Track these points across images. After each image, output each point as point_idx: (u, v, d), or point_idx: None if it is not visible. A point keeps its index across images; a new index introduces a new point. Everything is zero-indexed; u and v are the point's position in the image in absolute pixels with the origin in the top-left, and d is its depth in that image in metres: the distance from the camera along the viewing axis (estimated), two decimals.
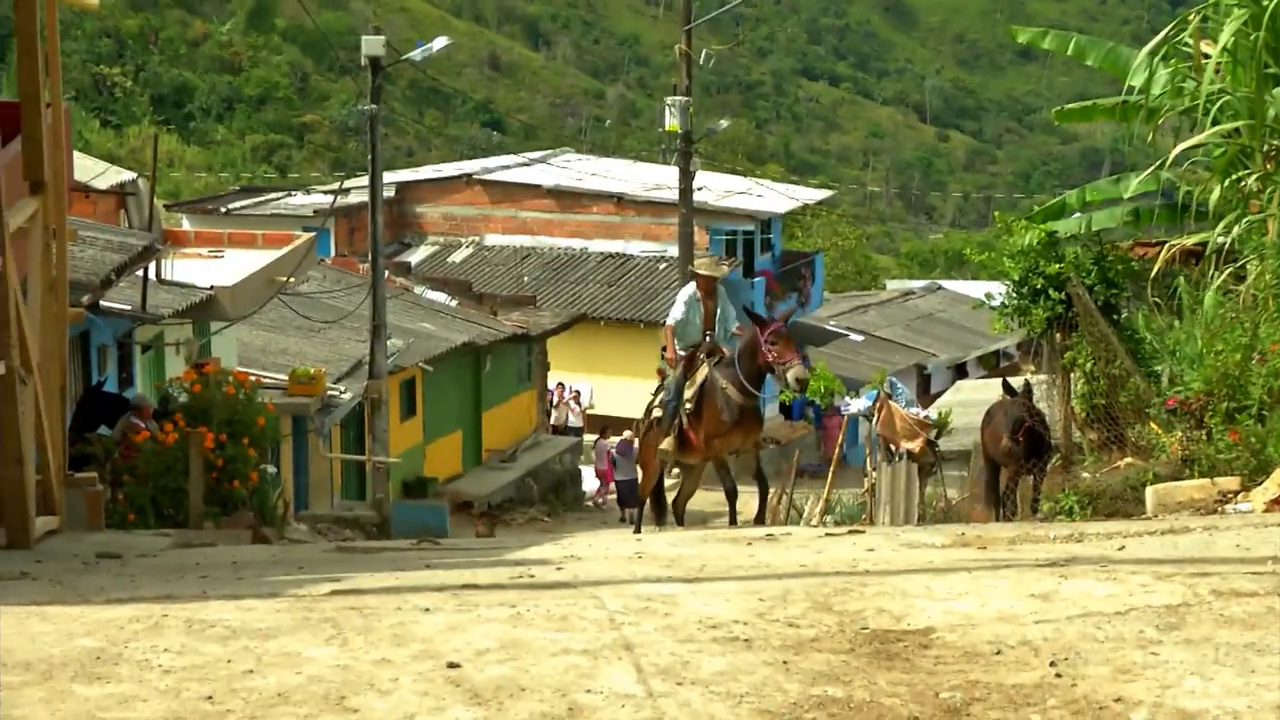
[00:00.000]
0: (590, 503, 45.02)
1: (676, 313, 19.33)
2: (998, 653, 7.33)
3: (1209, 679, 6.81)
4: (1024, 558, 9.55)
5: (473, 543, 18.04)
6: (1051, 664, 7.12)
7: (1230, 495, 16.96)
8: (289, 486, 29.68)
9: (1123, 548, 9.88)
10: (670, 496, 20.98)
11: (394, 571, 9.79)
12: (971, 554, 10.03)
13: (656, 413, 19.54)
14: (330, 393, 31.56)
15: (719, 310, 19.28)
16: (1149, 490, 17.83)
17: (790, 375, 17.98)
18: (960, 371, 60.11)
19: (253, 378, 22.77)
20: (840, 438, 34.45)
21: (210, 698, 6.69)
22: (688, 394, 18.65)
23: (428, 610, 8.08)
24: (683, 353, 19.03)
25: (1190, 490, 17.31)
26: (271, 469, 23.48)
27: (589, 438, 48.50)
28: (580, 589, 8.83)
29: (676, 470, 20.72)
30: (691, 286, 19.55)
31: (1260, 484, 16.65)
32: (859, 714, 6.53)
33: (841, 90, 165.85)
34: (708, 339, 18.96)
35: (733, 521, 19.35)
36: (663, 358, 20.07)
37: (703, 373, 18.63)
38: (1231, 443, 17.95)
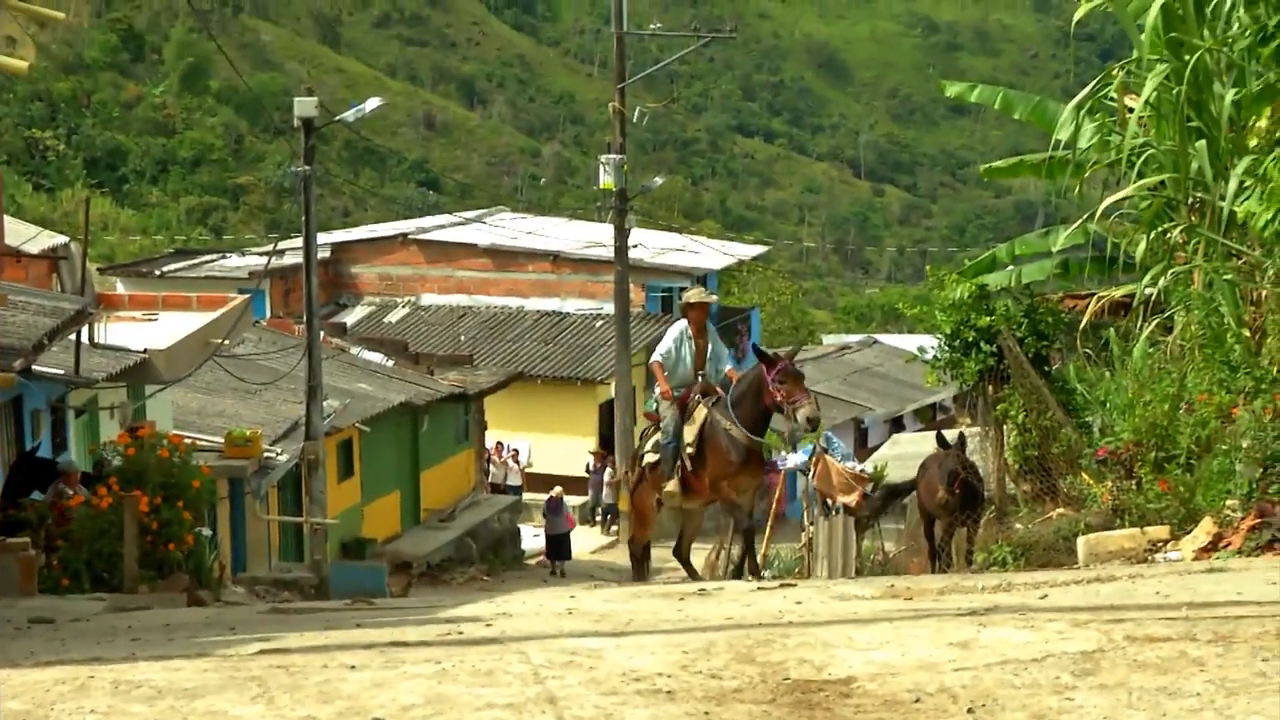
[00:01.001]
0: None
1: (664, 347, 18.93)
2: (917, 700, 7.40)
3: None
4: (946, 607, 9.64)
5: (406, 602, 18.04)
6: (969, 710, 7.20)
7: (1160, 544, 17.09)
8: (226, 549, 29.55)
9: (1045, 596, 9.99)
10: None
11: (325, 631, 9.82)
12: (897, 605, 10.11)
13: (650, 457, 19.12)
14: (267, 454, 31.43)
15: (710, 348, 18.93)
16: (1080, 540, 17.96)
17: (801, 415, 17.49)
18: (897, 425, 60.34)
19: (187, 440, 22.71)
20: (779, 493, 34.46)
21: None
22: (688, 436, 18.24)
23: (354, 668, 8.12)
24: (675, 394, 18.64)
25: (1121, 540, 17.44)
26: (207, 531, 23.40)
27: (529, 496, 48.50)
28: (506, 644, 8.87)
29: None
30: (682, 323, 19.17)
31: (1189, 532, 16.80)
32: None
33: (777, 146, 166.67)
34: (700, 378, 18.65)
35: (753, 570, 19.19)
36: (651, 401, 19.77)
37: (701, 414, 18.27)
38: (1161, 492, 18.08)
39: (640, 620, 9.83)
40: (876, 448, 45.36)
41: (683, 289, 55.84)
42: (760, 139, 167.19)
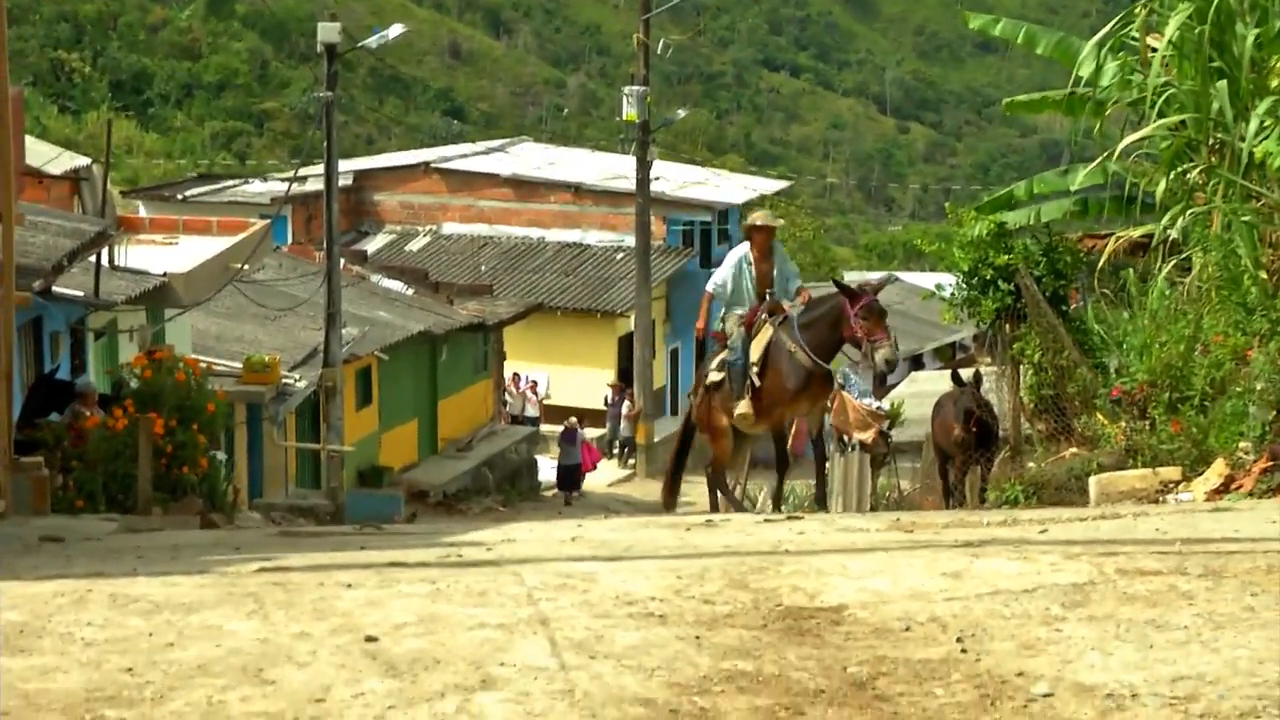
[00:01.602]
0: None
1: (720, 276, 18.00)
2: (907, 629, 7.48)
3: (1109, 654, 6.99)
4: (942, 539, 9.72)
5: (416, 528, 18.11)
6: (958, 640, 7.28)
7: (1172, 485, 17.13)
8: (243, 475, 29.71)
9: (1045, 530, 10.06)
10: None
11: (327, 552, 9.93)
12: (895, 536, 10.19)
13: (716, 375, 18.09)
14: (285, 381, 31.58)
15: (775, 270, 17.96)
16: (1092, 480, 17.99)
17: (880, 355, 16.76)
18: (917, 363, 60.29)
19: (203, 364, 22.80)
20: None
21: (130, 669, 6.81)
22: (753, 355, 17.41)
23: (349, 586, 8.22)
24: (740, 312, 17.72)
25: (1132, 480, 17.47)
26: (221, 455, 23.53)
27: (547, 427, 48.67)
28: (502, 566, 8.96)
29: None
30: (743, 248, 18.15)
31: (1201, 474, 16.83)
32: (767, 687, 6.66)
33: (802, 81, 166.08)
34: (769, 296, 17.71)
35: (778, 504, 18.79)
36: (717, 320, 18.13)
37: (767, 333, 17.42)
38: (1174, 433, 18.10)
39: (639, 547, 9.91)
40: (894, 385, 45.36)
41: (705, 222, 56.06)
42: (786, 73, 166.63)
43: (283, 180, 53.88)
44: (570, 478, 44.38)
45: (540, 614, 7.66)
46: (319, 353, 33.20)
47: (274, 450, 33.00)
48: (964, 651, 7.11)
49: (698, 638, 7.31)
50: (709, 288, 18.06)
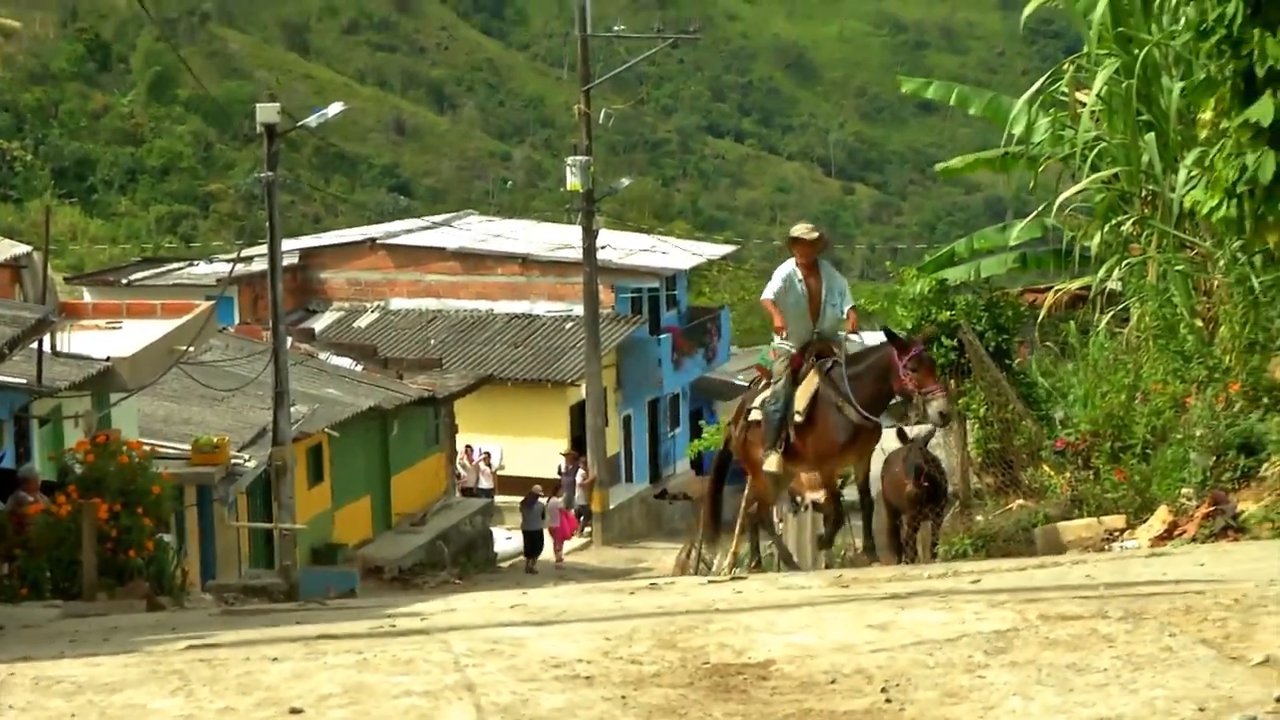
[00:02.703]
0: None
1: (774, 286, 17.23)
2: (833, 682, 7.53)
3: (1030, 699, 7.07)
4: (870, 592, 9.79)
5: (360, 602, 18.05)
6: (883, 690, 7.34)
7: (1117, 533, 17.27)
8: (195, 557, 29.56)
9: (977, 581, 10.13)
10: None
11: (261, 629, 9.92)
12: (827, 592, 10.25)
13: (756, 415, 17.44)
14: (234, 461, 31.43)
15: (825, 286, 17.23)
16: (1038, 530, 18.13)
17: (933, 408, 16.21)
18: None
19: (147, 446, 22.71)
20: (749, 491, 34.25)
21: None
22: (799, 404, 16.70)
23: (275, 660, 8.22)
24: (789, 347, 17.09)
25: (1078, 529, 17.61)
26: (169, 538, 23.42)
27: (501, 499, 48.71)
28: (431, 635, 8.97)
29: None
30: (789, 264, 17.39)
31: (1146, 521, 16.96)
32: None
33: (747, 146, 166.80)
34: (816, 338, 17.01)
35: (827, 544, 18.22)
36: (763, 354, 17.80)
37: (813, 382, 16.73)
38: (1117, 481, 18.27)
39: (574, 611, 9.94)
40: None
41: (653, 289, 56.22)
42: (730, 139, 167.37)
43: (228, 261, 53.88)
44: (536, 544, 44.60)
45: (466, 680, 7.67)
46: (268, 432, 33.09)
47: (226, 531, 32.86)
48: (888, 701, 7.17)
49: (624, 698, 7.34)
50: (767, 295, 17.41)
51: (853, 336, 17.75)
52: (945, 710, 6.97)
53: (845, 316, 17.07)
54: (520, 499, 45.86)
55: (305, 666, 8.03)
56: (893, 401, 17.08)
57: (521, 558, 45.43)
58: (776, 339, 17.40)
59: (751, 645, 8.24)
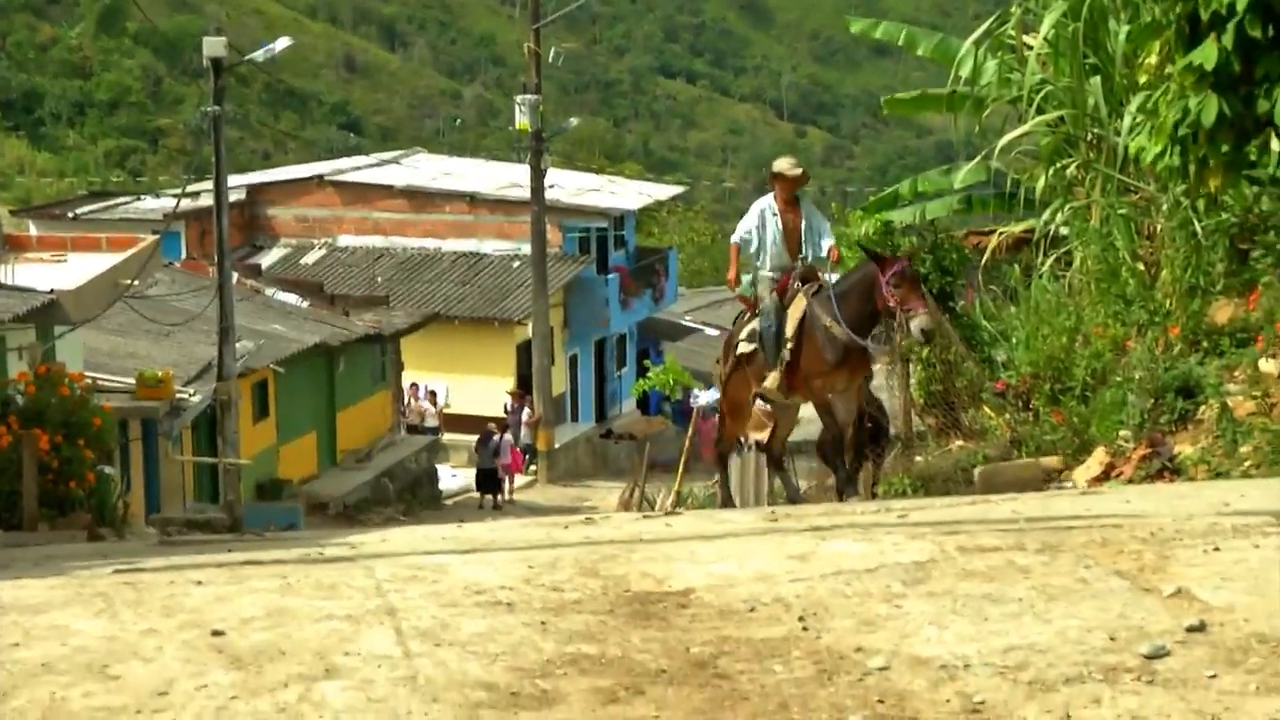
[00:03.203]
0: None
1: (744, 226, 16.81)
2: (751, 610, 7.63)
3: (945, 628, 7.20)
4: (793, 525, 9.88)
5: (298, 534, 18.07)
6: (800, 619, 7.44)
7: (1055, 474, 17.42)
8: (140, 491, 29.52)
9: (904, 516, 10.22)
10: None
11: (194, 555, 9.99)
12: (752, 523, 10.34)
13: (746, 346, 16.98)
14: (179, 395, 31.39)
15: (805, 223, 16.75)
16: (977, 471, 18.25)
17: (915, 325, 15.55)
18: None
19: (88, 379, 22.65)
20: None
21: None
22: (789, 329, 16.26)
23: (200, 584, 8.30)
24: (772, 274, 16.60)
25: (1016, 470, 17.72)
26: (111, 470, 23.38)
27: (448, 436, 48.80)
28: (356, 561, 9.06)
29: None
30: (766, 198, 16.89)
31: (1083, 462, 17.11)
32: (609, 669, 6.80)
33: (699, 88, 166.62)
34: (800, 263, 16.56)
35: (847, 486, 16.92)
36: (747, 285, 16.98)
37: (801, 305, 16.25)
38: (1056, 424, 18.40)
39: (502, 542, 10.01)
40: None
41: (601, 229, 56.20)
42: (682, 80, 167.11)
43: (176, 196, 53.59)
44: (489, 482, 44.77)
45: (388, 604, 7.76)
46: (213, 367, 33.05)
47: (171, 466, 32.83)
48: (805, 630, 7.27)
49: (543, 623, 7.44)
50: (734, 239, 17.04)
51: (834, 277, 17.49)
52: (860, 638, 7.08)
53: (827, 255, 16.66)
54: (469, 436, 45.95)
55: (229, 590, 8.10)
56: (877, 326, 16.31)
57: (469, 494, 45.56)
58: (754, 284, 16.90)
59: (673, 574, 8.33)
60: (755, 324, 16.76)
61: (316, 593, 7.99)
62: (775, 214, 16.63)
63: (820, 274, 16.55)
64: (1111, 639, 6.94)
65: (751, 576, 8.18)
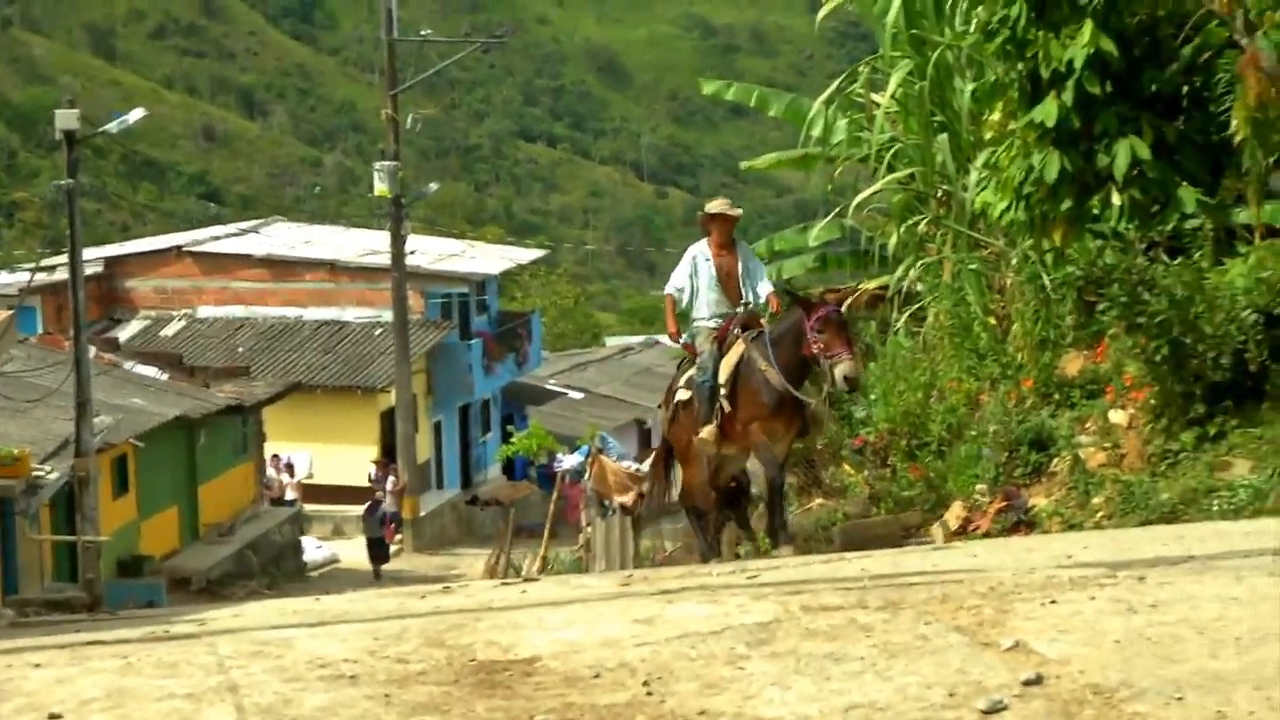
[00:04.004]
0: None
1: (677, 277, 16.40)
2: (596, 676, 7.65)
3: (787, 688, 7.24)
4: (642, 589, 9.92)
5: (154, 611, 17.82)
6: (645, 683, 7.46)
7: (914, 530, 17.57)
8: None
9: (754, 576, 10.30)
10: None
11: (38, 637, 9.85)
12: (610, 589, 10.36)
13: (684, 394, 16.63)
14: (36, 473, 31.01)
15: (741, 266, 16.33)
16: (836, 529, 18.36)
17: (838, 371, 14.98)
18: None
19: None
20: (582, 503, 33.74)
21: None
22: (723, 375, 15.80)
23: (38, 666, 8.20)
24: (711, 323, 16.15)
25: (876, 527, 17.87)
26: None
27: (311, 508, 48.50)
28: (199, 638, 8.98)
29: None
30: (700, 244, 16.47)
31: (940, 517, 17.28)
32: None
33: (559, 151, 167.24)
34: (740, 310, 16.13)
35: (777, 530, 16.33)
36: (687, 332, 16.55)
37: (738, 350, 15.80)
38: (913, 479, 18.58)
39: (353, 614, 9.97)
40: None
41: (463, 294, 56.13)
42: (543, 144, 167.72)
43: (31, 270, 52.96)
44: (380, 550, 44.67)
45: (230, 681, 7.70)
46: (71, 443, 32.67)
47: (28, 545, 32.36)
48: (650, 694, 7.29)
49: (387, 696, 7.40)
50: (667, 289, 16.65)
51: None
52: (705, 701, 7.10)
53: (766, 302, 16.25)
54: (333, 507, 45.70)
55: (68, 672, 8.00)
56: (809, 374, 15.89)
57: (334, 566, 45.25)
58: (693, 332, 16.53)
59: (519, 642, 8.33)
60: (692, 373, 16.45)
61: (158, 671, 7.91)
62: (708, 259, 16.26)
63: (760, 320, 16.15)
64: (950, 694, 7.01)
65: (598, 642, 8.21)
